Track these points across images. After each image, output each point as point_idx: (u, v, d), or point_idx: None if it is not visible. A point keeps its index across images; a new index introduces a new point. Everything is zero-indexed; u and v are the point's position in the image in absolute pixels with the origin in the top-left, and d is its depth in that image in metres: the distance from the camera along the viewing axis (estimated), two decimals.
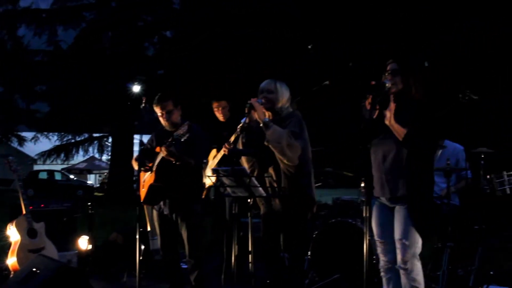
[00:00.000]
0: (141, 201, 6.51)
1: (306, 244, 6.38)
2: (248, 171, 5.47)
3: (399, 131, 4.77)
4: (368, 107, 4.87)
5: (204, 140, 6.40)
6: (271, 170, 5.63)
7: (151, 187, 6.36)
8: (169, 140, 6.09)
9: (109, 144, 31.17)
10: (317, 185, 7.84)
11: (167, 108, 6.36)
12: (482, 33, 15.39)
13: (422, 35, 16.26)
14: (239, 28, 18.71)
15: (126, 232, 7.94)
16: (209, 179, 6.17)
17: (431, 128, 4.94)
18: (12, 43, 28.76)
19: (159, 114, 6.43)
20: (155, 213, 6.52)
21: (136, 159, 6.47)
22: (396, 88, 4.93)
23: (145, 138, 7.13)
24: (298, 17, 17.52)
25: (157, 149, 6.27)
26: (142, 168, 6.39)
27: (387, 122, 4.83)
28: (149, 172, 6.38)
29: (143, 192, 6.48)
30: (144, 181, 6.49)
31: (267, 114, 5.57)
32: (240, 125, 5.75)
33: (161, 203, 6.39)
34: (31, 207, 7.33)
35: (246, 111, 5.60)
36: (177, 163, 6.14)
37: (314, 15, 17.43)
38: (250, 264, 5.61)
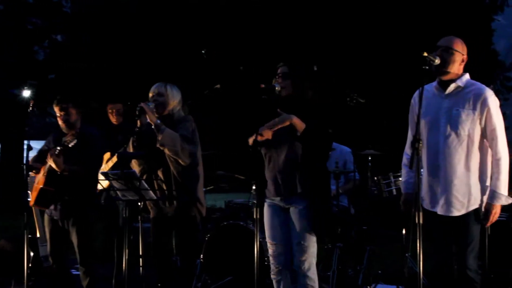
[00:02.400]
0: (32, 204, 6.30)
1: (197, 247, 6.34)
2: (139, 174, 5.41)
3: (300, 125, 4.78)
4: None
5: (97, 145, 6.24)
6: (159, 173, 5.59)
7: (41, 190, 6.16)
8: (58, 147, 5.93)
9: None
10: (209, 188, 7.86)
11: (65, 109, 6.18)
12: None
13: (312, 39, 16.56)
14: (131, 31, 18.56)
15: (14, 239, 7.71)
16: (100, 184, 6.07)
17: (326, 129, 4.99)
18: None
19: (57, 114, 6.25)
20: (46, 218, 6.33)
21: (32, 160, 6.33)
22: (286, 92, 4.96)
23: (34, 144, 6.92)
24: (191, 22, 17.53)
25: (49, 154, 6.12)
26: (30, 172, 6.23)
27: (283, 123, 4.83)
28: (41, 174, 6.22)
29: (33, 195, 6.29)
30: (36, 183, 6.31)
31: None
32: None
33: (52, 207, 6.22)
34: None
35: (137, 114, 5.52)
36: (64, 173, 5.98)
37: (206, 19, 17.50)
38: (140, 268, 5.56)
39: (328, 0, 17.83)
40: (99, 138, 6.30)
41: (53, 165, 5.91)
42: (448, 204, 4.62)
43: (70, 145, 5.87)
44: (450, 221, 4.64)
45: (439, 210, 4.65)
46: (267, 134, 4.81)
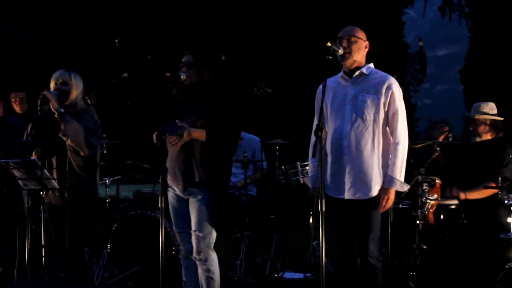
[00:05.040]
0: None
1: (89, 238, 6.23)
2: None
3: (201, 136, 4.79)
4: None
5: (14, 134, 6.07)
6: (53, 161, 5.47)
7: None
8: None
9: None
10: (117, 178, 7.76)
11: None
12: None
13: (219, 28, 16.57)
14: (39, 21, 18.21)
15: None
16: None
17: (230, 120, 4.97)
18: None
19: None
20: None
21: None
22: (190, 80, 4.93)
23: None
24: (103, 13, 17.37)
25: None
26: None
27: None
28: None
29: None
30: None
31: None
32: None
33: None
34: None
35: (39, 102, 5.40)
36: None
37: (117, 11, 17.35)
38: (43, 259, 5.46)
39: None
40: (14, 125, 6.18)
41: None
42: (356, 188, 4.67)
43: None
44: (356, 207, 4.68)
45: (346, 195, 4.69)
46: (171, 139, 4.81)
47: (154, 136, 4.84)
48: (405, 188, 4.77)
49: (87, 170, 5.52)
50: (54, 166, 5.41)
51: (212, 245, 4.95)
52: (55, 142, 5.37)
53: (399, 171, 4.64)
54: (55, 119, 5.29)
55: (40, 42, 17.44)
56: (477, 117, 6.29)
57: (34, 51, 17.17)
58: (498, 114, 6.36)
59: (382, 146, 4.71)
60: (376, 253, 4.67)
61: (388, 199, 4.63)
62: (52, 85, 5.49)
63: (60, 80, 5.48)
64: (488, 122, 6.27)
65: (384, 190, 4.63)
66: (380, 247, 4.79)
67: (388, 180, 4.63)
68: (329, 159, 4.78)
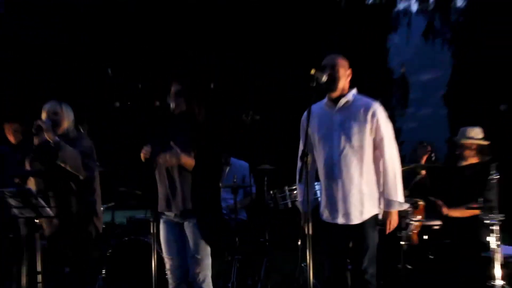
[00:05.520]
0: None
1: (91, 262, 6.25)
2: (35, 191, 5.36)
3: (189, 164, 4.86)
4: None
5: (9, 164, 6.15)
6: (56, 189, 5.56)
7: None
8: None
9: None
10: (110, 205, 7.82)
11: None
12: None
13: (206, 56, 16.55)
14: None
15: None
16: None
17: (214, 148, 5.05)
18: None
19: None
20: None
21: None
22: (179, 109, 5.00)
23: None
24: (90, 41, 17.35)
25: None
26: None
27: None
28: None
29: None
30: None
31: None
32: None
33: None
34: None
35: (35, 132, 5.47)
36: None
37: (105, 39, 17.32)
38: (39, 285, 5.49)
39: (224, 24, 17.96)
40: (10, 154, 6.23)
41: None
42: (348, 213, 4.77)
43: None
44: (349, 229, 4.80)
45: (340, 220, 4.80)
46: (163, 161, 4.89)
47: (142, 153, 4.89)
48: (405, 207, 4.93)
49: (84, 194, 5.60)
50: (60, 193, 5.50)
51: (207, 265, 5.03)
52: (54, 170, 5.47)
53: (395, 193, 4.76)
54: (51, 147, 5.39)
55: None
56: (463, 141, 6.38)
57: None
58: (485, 138, 6.45)
59: (374, 170, 4.82)
60: (372, 271, 4.78)
61: (391, 220, 4.79)
62: (43, 116, 5.59)
63: (52, 111, 5.59)
64: (474, 146, 6.35)
65: (385, 213, 4.78)
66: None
67: (386, 204, 4.77)
68: (322, 186, 4.91)
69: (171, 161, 4.81)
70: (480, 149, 6.37)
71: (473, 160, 6.36)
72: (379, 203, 4.82)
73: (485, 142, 6.39)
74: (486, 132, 6.48)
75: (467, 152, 6.35)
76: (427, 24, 25.42)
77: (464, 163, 6.37)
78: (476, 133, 6.42)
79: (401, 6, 25.99)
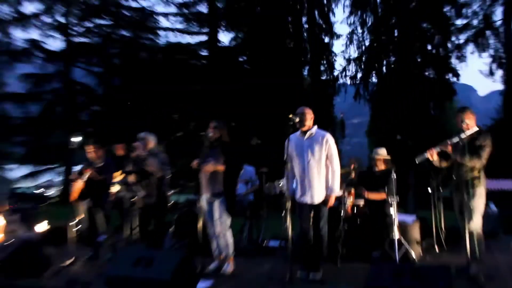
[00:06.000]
0: (74, 199, 6.26)
1: (166, 224, 6.23)
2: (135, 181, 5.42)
3: (219, 168, 4.95)
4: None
5: (112, 166, 6.18)
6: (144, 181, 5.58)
7: (82, 191, 6.16)
8: (94, 167, 6.09)
9: (61, 171, 29.21)
10: (176, 190, 7.80)
11: (94, 149, 6.25)
12: None
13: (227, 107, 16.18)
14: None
15: (68, 220, 7.49)
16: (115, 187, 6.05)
17: (234, 157, 5.12)
18: None
19: (89, 151, 6.28)
20: (83, 206, 6.24)
21: (74, 174, 6.31)
22: (214, 136, 5.10)
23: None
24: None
25: (87, 170, 6.11)
26: (75, 179, 6.22)
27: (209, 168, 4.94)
28: (81, 181, 6.19)
29: (75, 193, 6.24)
30: (77, 187, 6.25)
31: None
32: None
33: (88, 199, 6.16)
34: (11, 206, 7.10)
35: (132, 150, 5.77)
36: (95, 179, 6.00)
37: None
38: (134, 237, 5.48)
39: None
40: (112, 163, 6.27)
41: (91, 175, 6.01)
42: (312, 197, 4.79)
43: (98, 166, 6.04)
44: (312, 206, 4.82)
45: (308, 200, 4.81)
46: (207, 169, 4.96)
47: (194, 163, 4.95)
48: (339, 193, 5.06)
49: (160, 184, 5.62)
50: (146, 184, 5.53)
51: (228, 225, 5.07)
52: (144, 171, 5.51)
53: (336, 185, 4.80)
54: (142, 158, 5.46)
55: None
56: (375, 156, 6.39)
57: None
58: (388, 154, 6.44)
59: (325, 173, 4.83)
60: (324, 230, 4.81)
61: (330, 200, 4.82)
62: (138, 140, 5.65)
63: (142, 138, 5.66)
64: (382, 159, 6.35)
65: (328, 196, 4.80)
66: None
67: (329, 190, 4.79)
68: (298, 181, 4.91)
69: (209, 168, 4.87)
70: (385, 161, 6.37)
71: (382, 167, 6.35)
72: (326, 192, 4.82)
73: (388, 157, 6.37)
74: (389, 151, 6.47)
75: (378, 163, 6.34)
76: (356, 91, 25.55)
77: (377, 169, 6.36)
78: (382, 152, 6.41)
79: (341, 81, 26.13)
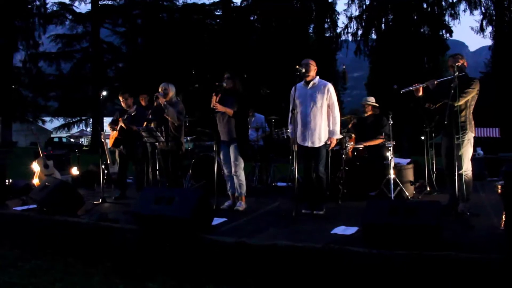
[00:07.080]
0: (111, 146, 6.26)
1: (183, 167, 6.21)
2: (155, 128, 5.31)
3: (229, 111, 4.82)
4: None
5: (144, 116, 6.04)
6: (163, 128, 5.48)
7: (116, 138, 6.12)
8: (125, 115, 6.02)
9: (90, 122, 29.46)
10: (192, 137, 7.71)
11: (125, 98, 6.17)
12: None
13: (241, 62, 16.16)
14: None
15: (96, 165, 7.54)
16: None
17: (246, 105, 4.99)
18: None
19: (122, 100, 6.20)
20: (117, 152, 6.22)
21: (109, 124, 6.26)
22: (228, 86, 4.94)
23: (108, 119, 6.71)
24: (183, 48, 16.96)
25: (119, 120, 6.06)
26: (111, 128, 6.20)
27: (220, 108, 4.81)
28: (115, 130, 6.15)
29: (111, 141, 6.24)
30: (112, 135, 6.23)
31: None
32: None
33: (121, 147, 6.14)
34: (45, 153, 7.20)
35: (154, 99, 5.52)
36: (126, 128, 5.99)
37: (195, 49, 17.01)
38: (158, 176, 5.46)
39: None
40: (143, 112, 6.14)
41: (123, 125, 5.97)
42: (313, 141, 4.68)
43: (132, 114, 6.01)
44: (312, 149, 4.71)
45: (308, 144, 4.70)
46: (218, 108, 4.81)
47: (212, 100, 4.83)
48: (340, 137, 4.93)
49: (178, 132, 5.53)
50: (163, 130, 5.44)
51: (242, 167, 5.00)
52: (164, 119, 5.40)
53: (337, 129, 4.71)
54: (162, 107, 5.32)
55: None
56: (365, 103, 6.28)
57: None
58: (376, 102, 6.34)
59: (327, 119, 4.71)
60: (323, 171, 4.71)
61: (332, 142, 4.73)
62: (160, 90, 5.49)
63: (163, 88, 5.49)
64: (370, 106, 6.24)
65: (330, 139, 4.70)
66: (325, 168, 4.80)
67: (331, 133, 4.69)
68: (299, 125, 4.78)
69: (224, 109, 4.74)
70: (373, 107, 6.26)
71: (370, 112, 6.25)
72: (328, 135, 4.71)
73: (376, 104, 6.27)
74: (380, 99, 6.31)
75: (367, 109, 6.25)
76: (356, 46, 24.84)
77: (365, 114, 6.26)
78: (371, 99, 6.30)
79: (343, 37, 25.48)
